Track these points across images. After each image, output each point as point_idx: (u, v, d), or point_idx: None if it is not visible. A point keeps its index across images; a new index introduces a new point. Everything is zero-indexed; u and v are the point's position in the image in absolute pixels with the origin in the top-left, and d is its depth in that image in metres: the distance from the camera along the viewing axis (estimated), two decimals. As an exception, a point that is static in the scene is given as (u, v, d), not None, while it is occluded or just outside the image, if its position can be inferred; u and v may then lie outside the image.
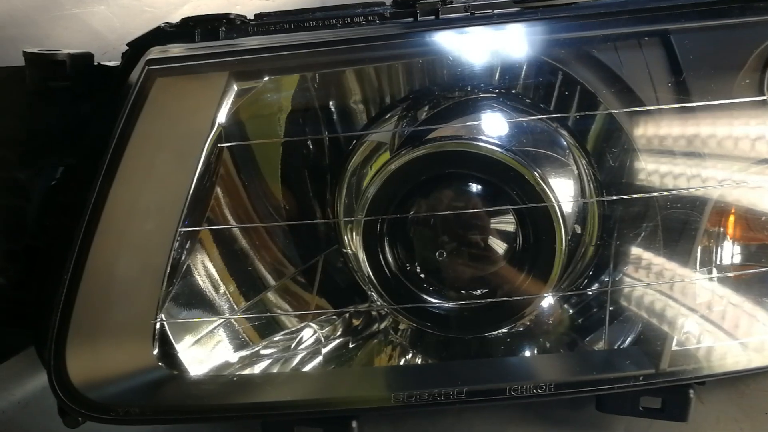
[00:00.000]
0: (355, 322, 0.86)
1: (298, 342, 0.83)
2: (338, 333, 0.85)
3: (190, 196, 0.70)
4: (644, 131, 0.74)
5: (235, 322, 0.80)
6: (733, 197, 0.77)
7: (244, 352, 0.79)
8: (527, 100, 0.80)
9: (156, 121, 0.68)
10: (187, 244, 0.74)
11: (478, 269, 0.76)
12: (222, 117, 0.70)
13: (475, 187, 0.74)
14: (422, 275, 0.78)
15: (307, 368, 0.79)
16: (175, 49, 0.69)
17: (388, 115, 0.80)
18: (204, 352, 0.76)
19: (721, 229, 0.81)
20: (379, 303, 0.79)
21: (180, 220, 0.70)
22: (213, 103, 0.69)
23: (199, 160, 0.69)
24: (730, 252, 0.82)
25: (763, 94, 0.73)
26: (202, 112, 0.69)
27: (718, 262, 0.81)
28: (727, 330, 0.77)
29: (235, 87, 0.70)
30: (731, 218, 0.81)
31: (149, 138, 0.68)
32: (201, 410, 0.70)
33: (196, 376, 0.72)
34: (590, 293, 0.82)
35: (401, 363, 0.82)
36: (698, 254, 0.78)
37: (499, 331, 0.80)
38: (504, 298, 0.75)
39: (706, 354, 0.75)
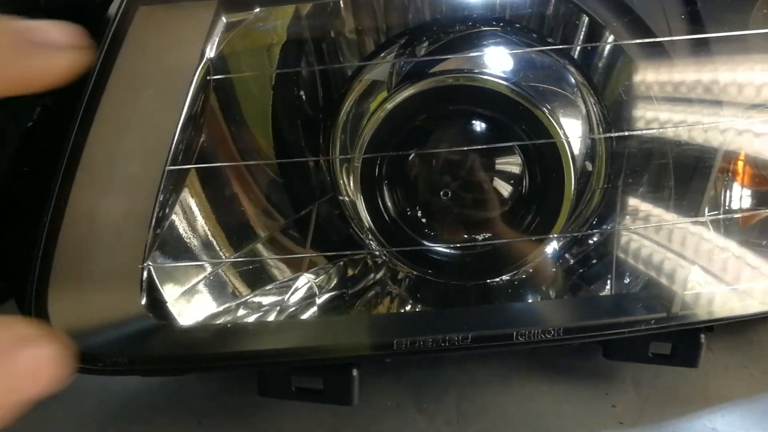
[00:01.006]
0: (350, 273, 0.83)
1: (291, 293, 0.79)
2: (333, 284, 0.82)
3: (177, 134, 0.65)
4: (656, 66, 0.70)
5: (223, 273, 0.76)
6: (745, 139, 0.74)
7: (233, 303, 0.75)
8: (533, 34, 0.76)
9: (138, 55, 0.63)
10: (175, 187, 0.69)
11: (482, 212, 0.73)
12: (210, 50, 0.65)
13: (479, 125, 0.71)
14: (423, 220, 0.74)
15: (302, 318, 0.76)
16: (160, -23, 0.64)
17: (384, 53, 0.75)
18: (193, 302, 0.72)
19: (730, 174, 0.78)
20: (370, 246, 0.75)
21: (167, 160, 0.65)
22: (200, 35, 0.64)
23: (187, 97, 0.65)
24: (738, 197, 0.79)
25: (781, 25, 0.69)
26: (189, 45, 0.64)
27: (726, 208, 0.78)
28: (735, 274, 0.75)
29: (223, 18, 0.65)
30: (740, 162, 0.78)
31: (131, 73, 0.63)
32: (193, 359, 0.67)
33: (187, 324, 0.68)
34: (594, 236, 0.79)
35: (401, 312, 0.79)
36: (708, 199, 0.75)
37: (501, 279, 0.77)
38: (509, 240, 0.71)
39: (714, 300, 0.72)
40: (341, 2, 0.75)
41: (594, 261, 0.80)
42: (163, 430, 0.75)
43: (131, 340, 0.66)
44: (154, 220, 0.66)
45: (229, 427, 0.75)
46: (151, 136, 0.65)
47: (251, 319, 0.74)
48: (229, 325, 0.69)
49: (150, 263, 0.67)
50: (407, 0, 0.75)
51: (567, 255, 0.81)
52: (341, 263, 0.82)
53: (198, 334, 0.68)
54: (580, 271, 0.81)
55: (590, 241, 0.81)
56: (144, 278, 0.67)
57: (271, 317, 0.75)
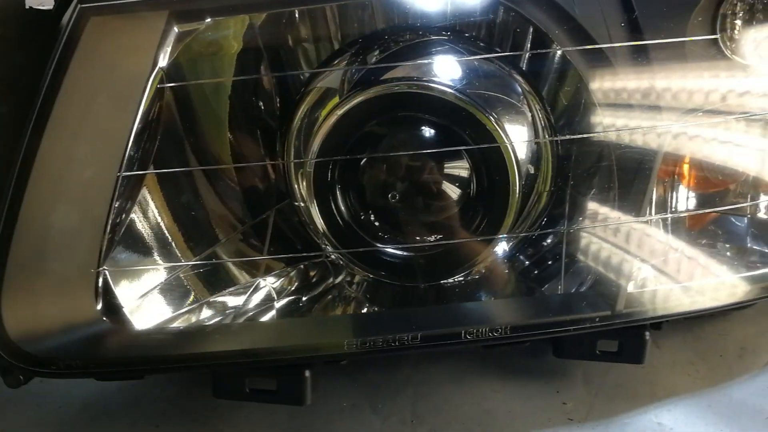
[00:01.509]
0: (310, 277, 0.84)
1: (249, 297, 0.80)
2: (292, 288, 0.83)
3: (131, 141, 0.67)
4: (598, 73, 0.73)
5: (183, 277, 0.77)
6: (685, 141, 0.77)
7: (192, 307, 0.76)
8: (481, 43, 0.79)
9: (90, 64, 0.64)
10: (131, 192, 0.71)
11: (432, 215, 0.75)
12: (163, 60, 0.67)
13: (427, 131, 0.73)
14: (376, 223, 0.76)
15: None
16: (111, -12, 0.66)
17: (336, 61, 0.77)
18: (150, 305, 0.73)
19: (676, 176, 0.81)
20: (330, 250, 0.76)
21: (121, 166, 0.67)
22: (152, 44, 0.66)
23: (140, 105, 0.66)
24: (685, 198, 0.82)
25: (716, 34, 0.72)
26: (141, 55, 0.66)
27: (673, 208, 0.81)
28: (679, 272, 0.77)
29: (175, 29, 0.67)
30: (685, 164, 0.81)
31: (83, 81, 0.64)
32: (147, 362, 0.68)
33: (141, 328, 0.69)
34: (547, 239, 0.81)
35: (357, 315, 0.81)
36: (653, 199, 0.77)
37: (455, 279, 0.79)
38: (457, 240, 0.73)
39: (659, 296, 0.75)
40: (296, 12, 0.77)
41: (549, 262, 0.82)
42: (121, 434, 0.76)
43: (85, 343, 0.67)
44: (109, 225, 0.67)
45: (185, 430, 0.75)
46: (104, 143, 0.66)
47: (210, 322, 0.75)
48: (183, 329, 0.70)
49: (105, 267, 0.68)
50: (360, 9, 0.78)
51: (522, 257, 0.84)
52: (301, 267, 0.84)
53: (152, 337, 0.69)
54: (536, 272, 0.83)
55: (544, 243, 0.84)
56: (100, 282, 0.68)
57: (231, 320, 0.77)
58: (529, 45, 0.78)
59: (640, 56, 0.71)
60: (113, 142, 0.66)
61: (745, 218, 0.84)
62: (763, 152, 0.80)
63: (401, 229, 0.75)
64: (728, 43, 0.72)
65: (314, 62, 0.80)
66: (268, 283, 0.82)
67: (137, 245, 0.73)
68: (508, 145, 0.70)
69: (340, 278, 0.83)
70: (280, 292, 0.82)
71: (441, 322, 0.69)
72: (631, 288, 0.74)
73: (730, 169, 0.80)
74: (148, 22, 0.66)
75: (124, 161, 0.67)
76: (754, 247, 0.83)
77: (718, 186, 0.83)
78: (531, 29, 0.76)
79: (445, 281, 0.79)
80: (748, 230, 0.84)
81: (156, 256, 0.75)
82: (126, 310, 0.70)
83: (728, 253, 0.82)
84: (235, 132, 0.80)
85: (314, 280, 0.84)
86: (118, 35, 0.65)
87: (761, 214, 0.84)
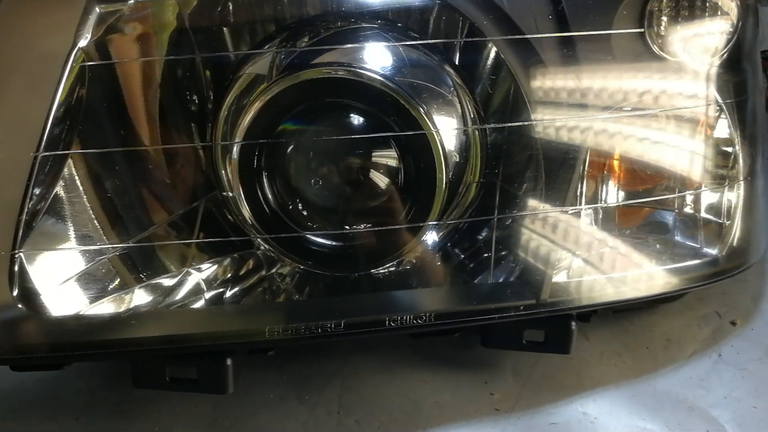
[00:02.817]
0: (242, 268, 0.83)
1: (177, 287, 0.79)
2: (222, 280, 0.82)
3: (50, 122, 0.65)
4: (526, 64, 0.73)
5: (110, 264, 0.75)
6: (611, 134, 0.78)
7: (117, 295, 0.74)
8: (413, 34, 0.79)
9: (6, 42, 0.63)
10: (52, 175, 0.69)
11: (360, 203, 0.74)
12: (83, 40, 0.65)
13: (355, 118, 0.72)
14: (304, 212, 0.75)
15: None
16: (28, -36, 0.64)
17: (266, 46, 0.77)
18: (72, 292, 0.71)
19: (605, 171, 0.82)
20: (255, 236, 0.75)
21: (38, 147, 0.65)
22: (71, 24, 0.64)
23: (59, 85, 0.65)
24: (615, 192, 0.83)
25: (642, 27, 0.73)
26: (59, 34, 0.65)
27: (603, 201, 0.81)
28: (605, 263, 0.78)
29: (96, 9, 0.65)
30: (615, 158, 0.82)
31: (-1, 59, 0.63)
32: (63, 349, 0.66)
33: (60, 315, 0.67)
34: (475, 233, 0.81)
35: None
36: (583, 193, 0.78)
37: (386, 269, 0.78)
38: (385, 227, 0.73)
39: (585, 286, 0.75)
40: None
41: (485, 255, 0.82)
42: (39, 427, 0.73)
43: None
44: (26, 208, 0.66)
45: (107, 422, 0.74)
46: (20, 123, 0.64)
47: (133, 308, 0.73)
48: (101, 316, 0.68)
49: (21, 251, 0.66)
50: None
51: (457, 250, 0.83)
52: (231, 258, 0.83)
53: (69, 324, 0.67)
54: (471, 265, 0.83)
55: (479, 237, 0.84)
56: (15, 267, 0.66)
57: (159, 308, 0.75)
58: (462, 37, 0.78)
59: (567, 48, 0.72)
60: (29, 123, 0.64)
61: (673, 213, 0.86)
62: (688, 147, 0.81)
63: (329, 218, 0.74)
64: (655, 39, 0.73)
65: (247, 47, 0.79)
66: (198, 275, 0.80)
67: (59, 229, 0.71)
68: (434, 133, 0.70)
69: (273, 270, 0.82)
70: (210, 284, 0.80)
71: (365, 310, 0.69)
72: (557, 278, 0.75)
73: (657, 165, 0.81)
74: (66, 1, 0.65)
75: (43, 143, 0.65)
76: (681, 241, 0.84)
77: (646, 182, 0.84)
78: (461, 20, 0.76)
79: (376, 272, 0.78)
80: (675, 225, 0.85)
81: (80, 242, 0.73)
82: (43, 297, 0.68)
83: (657, 246, 0.83)
84: (166, 118, 0.78)
85: (245, 271, 0.82)
86: (35, 13, 0.64)
87: (688, 209, 0.85)
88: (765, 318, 0.89)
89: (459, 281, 0.81)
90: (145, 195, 0.79)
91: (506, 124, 0.75)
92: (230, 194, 0.77)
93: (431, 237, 0.78)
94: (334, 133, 0.72)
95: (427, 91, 0.74)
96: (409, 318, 0.68)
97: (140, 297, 0.75)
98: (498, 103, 0.78)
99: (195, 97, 0.79)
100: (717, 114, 0.81)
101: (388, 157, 0.73)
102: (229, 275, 0.82)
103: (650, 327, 0.87)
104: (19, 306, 0.66)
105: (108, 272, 0.75)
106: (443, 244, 0.81)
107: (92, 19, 0.65)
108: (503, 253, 0.79)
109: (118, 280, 0.75)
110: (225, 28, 0.77)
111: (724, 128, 0.82)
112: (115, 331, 0.67)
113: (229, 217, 0.79)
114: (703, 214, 0.84)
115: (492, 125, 0.76)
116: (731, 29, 0.77)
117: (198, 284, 0.80)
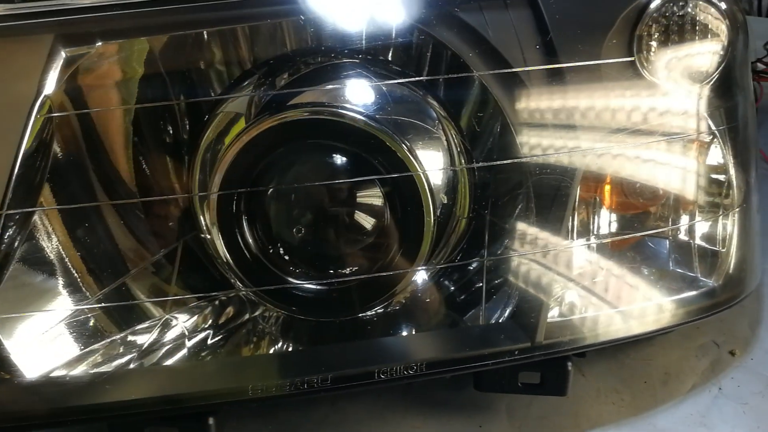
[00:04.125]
0: (226, 312, 0.80)
1: (159, 335, 0.76)
2: (206, 325, 0.79)
3: (15, 174, 0.62)
4: (513, 96, 0.71)
5: (88, 314, 0.72)
6: (604, 164, 0.75)
7: (97, 346, 0.71)
8: (395, 67, 0.76)
9: (-34, 91, 0.59)
10: (18, 230, 0.65)
11: (345, 246, 0.71)
12: (49, 86, 0.62)
13: (338, 159, 0.69)
14: (286, 257, 0.72)
15: (167, 363, 0.72)
16: (-8, 8, 0.61)
17: (245, 83, 0.74)
18: (48, 348, 0.68)
19: (597, 199, 0.79)
20: (239, 286, 0.72)
21: (3, 203, 0.62)
22: (36, 69, 0.61)
23: (23, 135, 0.61)
24: (607, 221, 0.81)
25: (632, 56, 0.71)
26: (24, 80, 0.62)
27: (595, 232, 0.79)
28: (601, 299, 0.75)
29: (63, 53, 0.62)
30: (606, 187, 0.80)
31: (-42, 108, 0.59)
32: (34, 416, 0.62)
33: (30, 379, 0.64)
34: (465, 265, 0.79)
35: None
36: (574, 223, 0.76)
37: (373, 312, 0.75)
38: (371, 275, 0.70)
39: (581, 324, 0.73)
40: (204, 33, 0.73)
41: (477, 285, 0.80)
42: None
43: (-34, 397, 0.62)
44: (-8, 265, 0.62)
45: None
46: (-17, 177, 0.61)
47: (117, 362, 0.70)
48: (75, 377, 0.65)
49: (-13, 313, 0.63)
50: (272, 30, 0.74)
51: (447, 282, 0.81)
52: (216, 302, 0.80)
53: (41, 389, 0.64)
54: (462, 297, 0.80)
55: (470, 268, 0.81)
56: (-19, 329, 0.63)
57: (139, 360, 0.72)
58: (445, 69, 0.75)
59: (556, 79, 0.69)
60: (-7, 177, 0.61)
61: (667, 241, 0.83)
62: (680, 174, 0.79)
63: (312, 263, 0.71)
64: (645, 65, 0.71)
65: (226, 84, 0.76)
66: (180, 320, 0.77)
67: (32, 283, 0.68)
68: (421, 174, 0.67)
69: (257, 313, 0.79)
70: (194, 329, 0.77)
71: (352, 362, 0.66)
72: (551, 317, 0.72)
73: (651, 191, 0.79)
74: (30, 45, 0.61)
75: (8, 196, 0.62)
76: (676, 270, 0.82)
77: (639, 208, 0.81)
78: (446, 53, 0.74)
79: (363, 315, 0.76)
80: (670, 253, 0.83)
81: (56, 293, 0.70)
82: (14, 359, 0.65)
83: (651, 277, 0.80)
84: (142, 159, 0.75)
85: (230, 315, 0.79)
86: (-3, 58, 0.61)
87: (682, 237, 0.83)
88: (764, 346, 0.87)
89: (449, 321, 0.78)
90: (124, 238, 0.76)
91: (496, 162, 0.72)
92: (208, 236, 0.74)
93: (421, 276, 0.75)
94: (317, 175, 0.69)
95: (412, 127, 0.71)
96: (400, 368, 0.65)
97: (122, 347, 0.72)
98: (484, 136, 0.76)
99: (173, 137, 0.76)
100: (710, 140, 0.79)
101: (373, 197, 0.70)
102: (211, 320, 0.79)
103: (647, 360, 0.85)
104: (-13, 369, 0.62)
105: (88, 322, 0.72)
106: (435, 281, 0.78)
107: (59, 64, 0.62)
108: (495, 285, 0.76)
109: (95, 332, 0.72)
110: (205, 66, 0.74)
111: (717, 155, 0.80)
112: (90, 395, 0.63)
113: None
114: (698, 242, 0.82)
115: (481, 164, 0.73)
116: (722, 51, 0.74)
117: (182, 331, 0.77)
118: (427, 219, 0.69)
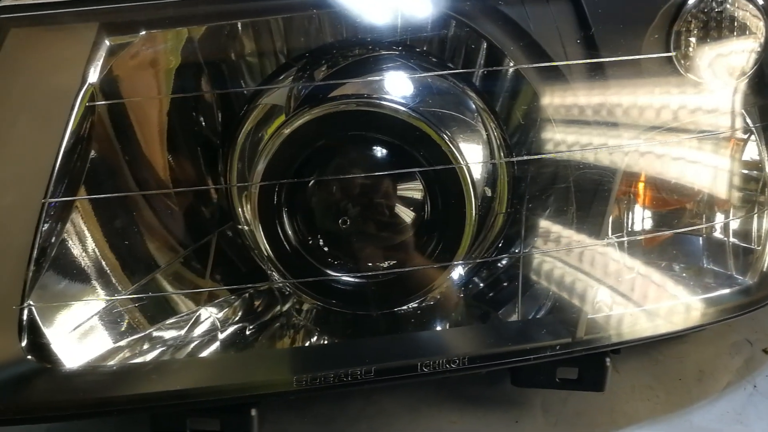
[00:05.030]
0: (256, 305, 0.79)
1: (192, 328, 0.75)
2: (237, 317, 0.78)
3: (58, 164, 0.61)
4: (554, 90, 0.70)
5: (120, 308, 0.72)
6: (642, 161, 0.75)
7: (130, 340, 0.71)
8: (433, 59, 0.76)
9: (11, 79, 0.59)
10: (60, 219, 0.65)
11: (385, 240, 0.71)
12: (93, 74, 0.62)
13: (379, 151, 0.69)
14: (325, 249, 0.72)
15: (202, 355, 0.72)
16: (36, -4, 0.60)
17: (282, 76, 0.73)
18: (84, 340, 0.68)
19: (632, 195, 0.79)
20: (275, 278, 0.72)
21: (47, 192, 0.61)
22: (81, 58, 0.61)
23: (67, 123, 0.61)
24: (641, 218, 0.80)
25: (671, 51, 0.70)
26: (69, 69, 0.61)
27: (629, 230, 0.79)
28: (638, 296, 0.75)
29: (107, 42, 0.62)
30: (641, 184, 0.79)
31: (4, 98, 0.59)
32: (77, 406, 0.62)
33: (72, 368, 0.64)
34: (502, 260, 0.78)
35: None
36: (610, 221, 0.75)
37: (409, 306, 0.75)
38: (411, 268, 0.69)
39: (620, 321, 0.73)
40: (239, 25, 0.73)
41: (505, 284, 0.79)
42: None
43: (9, 385, 0.61)
44: (34, 256, 0.62)
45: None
46: (28, 166, 0.61)
47: (150, 356, 0.70)
48: (117, 368, 0.65)
49: (30, 303, 0.62)
50: (307, 22, 0.74)
51: (476, 279, 0.80)
52: (246, 295, 0.79)
53: (84, 377, 0.63)
54: (490, 294, 0.80)
55: (499, 264, 0.81)
56: (24, 319, 0.62)
57: (172, 353, 0.71)
58: (482, 61, 0.75)
59: (597, 73, 0.69)
60: (38, 166, 0.60)
61: (701, 238, 0.83)
62: (716, 171, 0.79)
63: (352, 255, 0.71)
64: (682, 61, 0.71)
65: (259, 76, 0.76)
66: (212, 313, 0.77)
67: (68, 275, 0.67)
68: (464, 166, 0.67)
69: (288, 306, 0.79)
70: (225, 322, 0.77)
71: (396, 354, 0.66)
72: (590, 313, 0.72)
73: (686, 188, 0.79)
74: (76, 34, 0.61)
75: (51, 186, 0.61)
76: (709, 267, 0.81)
77: (673, 205, 0.81)
78: (484, 44, 0.74)
79: (399, 309, 0.75)
80: (704, 250, 0.83)
81: (90, 286, 0.70)
82: (54, 347, 0.64)
83: (684, 274, 0.80)
84: (175, 150, 0.75)
85: (260, 308, 0.79)
86: (42, 48, 0.60)
87: (716, 234, 0.82)
88: (797, 345, 0.86)
89: (484, 315, 0.78)
90: (156, 231, 0.75)
91: (537, 155, 0.72)
92: (246, 228, 0.74)
93: (457, 272, 0.75)
94: (358, 167, 0.69)
95: (453, 120, 0.71)
96: (442, 362, 0.65)
97: (156, 340, 0.72)
98: (524, 130, 0.75)
99: (207, 128, 0.76)
100: (746, 137, 0.79)
101: (414, 190, 0.70)
102: (244, 312, 0.79)
103: (681, 357, 0.84)
104: (30, 358, 0.62)
105: (121, 316, 0.71)
106: (469, 277, 0.78)
107: (102, 53, 0.62)
108: (531, 281, 0.76)
109: (132, 324, 0.72)
110: (238, 58, 0.74)
111: (753, 152, 0.80)
112: (132, 385, 0.63)
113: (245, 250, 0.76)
114: (733, 239, 0.82)
115: (524, 157, 0.72)
116: (759, 48, 0.74)
117: (213, 323, 0.76)
118: (469, 212, 0.68)
